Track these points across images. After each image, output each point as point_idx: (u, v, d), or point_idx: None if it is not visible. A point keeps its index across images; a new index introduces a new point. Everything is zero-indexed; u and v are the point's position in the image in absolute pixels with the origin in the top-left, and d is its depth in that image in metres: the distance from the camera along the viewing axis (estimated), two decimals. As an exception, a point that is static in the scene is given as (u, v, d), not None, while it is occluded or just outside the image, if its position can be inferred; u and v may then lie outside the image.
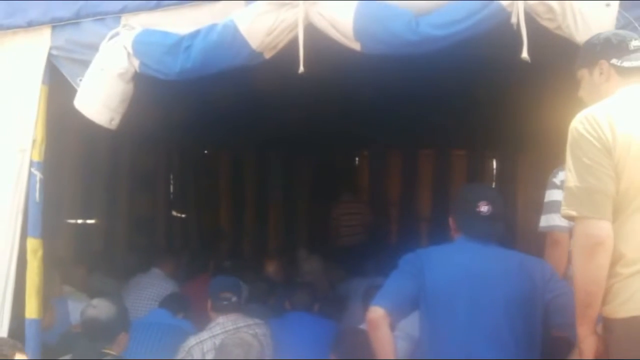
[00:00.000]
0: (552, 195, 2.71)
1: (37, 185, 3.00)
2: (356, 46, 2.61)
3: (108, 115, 2.94)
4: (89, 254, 5.35)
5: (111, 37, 2.89)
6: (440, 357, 2.34)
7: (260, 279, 4.59)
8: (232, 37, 2.66)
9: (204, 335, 3.16)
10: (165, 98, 4.67)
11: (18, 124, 3.06)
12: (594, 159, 1.85)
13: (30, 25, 3.06)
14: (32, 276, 2.98)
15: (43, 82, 3.05)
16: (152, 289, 4.38)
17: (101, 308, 2.77)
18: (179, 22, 2.84)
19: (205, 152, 7.75)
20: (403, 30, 2.47)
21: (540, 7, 2.40)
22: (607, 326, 1.94)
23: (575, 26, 2.36)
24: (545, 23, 2.44)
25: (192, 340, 3.12)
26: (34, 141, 3.03)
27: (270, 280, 4.59)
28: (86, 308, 2.81)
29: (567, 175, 1.91)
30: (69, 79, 3.01)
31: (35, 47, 3.07)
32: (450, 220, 2.58)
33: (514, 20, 2.39)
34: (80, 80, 2.95)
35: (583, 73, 2.13)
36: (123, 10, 2.92)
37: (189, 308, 3.84)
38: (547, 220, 2.70)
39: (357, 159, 9.04)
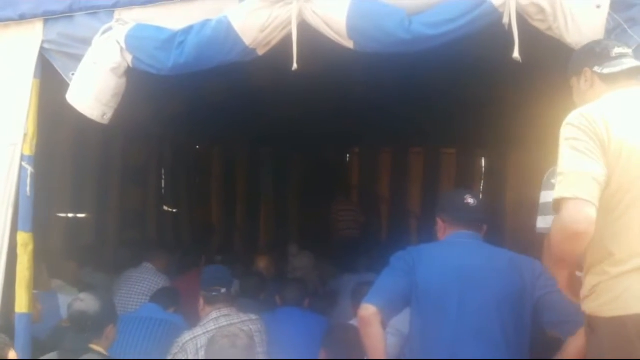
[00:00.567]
0: (549, 196, 2.72)
1: (28, 180, 2.99)
2: (349, 44, 2.62)
3: (100, 110, 2.94)
4: (80, 248, 5.33)
5: (104, 32, 2.88)
6: (431, 353, 2.36)
7: (251, 274, 4.60)
8: (225, 33, 2.67)
9: (198, 331, 3.17)
10: (158, 93, 4.66)
11: (9, 117, 3.04)
12: (588, 148, 1.87)
13: (23, 18, 3.04)
14: (22, 270, 2.97)
15: (35, 76, 3.04)
16: (143, 283, 4.37)
17: (88, 301, 2.80)
18: (172, 18, 2.83)
19: (197, 147, 7.75)
20: (396, 28, 2.49)
21: (531, 7, 2.42)
22: (590, 324, 1.95)
23: (566, 27, 2.38)
24: (536, 24, 2.46)
25: (186, 336, 3.13)
26: (25, 135, 3.01)
27: (261, 275, 4.60)
28: (73, 302, 2.84)
29: (559, 164, 1.92)
30: (61, 73, 3.00)
31: (27, 40, 3.05)
32: (438, 221, 2.61)
33: (505, 20, 2.41)
34: (73, 74, 2.94)
35: (573, 81, 2.20)
36: (116, 5, 2.91)
37: (180, 303, 3.84)
38: (546, 222, 2.69)
39: (348, 156, 9.07)
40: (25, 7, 3.03)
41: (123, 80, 2.94)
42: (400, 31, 2.49)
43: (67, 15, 2.98)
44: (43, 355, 2.85)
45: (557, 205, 1.87)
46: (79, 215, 5.79)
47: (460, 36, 2.50)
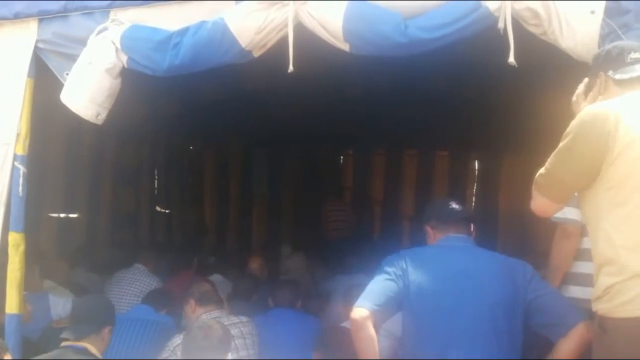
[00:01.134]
0: None
1: (21, 180, 2.97)
2: (345, 47, 2.63)
3: (94, 110, 2.92)
4: (71, 248, 5.30)
5: (99, 32, 2.87)
6: (423, 356, 2.37)
7: (244, 275, 4.59)
8: (221, 34, 2.67)
9: (188, 334, 3.16)
10: (152, 94, 4.65)
11: (2, 117, 3.02)
12: (579, 155, 1.95)
13: (17, 17, 3.03)
14: (13, 271, 2.95)
15: (29, 75, 3.02)
16: (135, 284, 4.36)
17: (90, 299, 3.01)
18: (168, 19, 2.83)
19: (191, 148, 7.73)
20: (392, 32, 2.50)
21: (526, 12, 2.44)
22: (602, 325, 1.95)
23: (561, 32, 2.40)
24: (531, 29, 2.48)
25: (176, 339, 3.11)
26: (18, 135, 3.00)
27: (254, 276, 4.59)
28: (76, 300, 2.94)
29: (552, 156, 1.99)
30: (55, 72, 2.98)
31: (21, 39, 3.04)
32: (427, 229, 2.63)
33: (500, 25, 2.43)
34: (67, 74, 2.93)
35: (591, 84, 2.22)
36: (111, 5, 2.90)
37: (172, 304, 3.83)
38: (563, 212, 2.70)
39: (342, 157, 9.08)
40: (19, 6, 3.02)
41: (118, 81, 2.93)
42: (397, 35, 2.49)
43: (61, 14, 2.97)
44: (34, 356, 2.83)
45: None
46: (71, 216, 5.75)
47: (456, 40, 2.51)
